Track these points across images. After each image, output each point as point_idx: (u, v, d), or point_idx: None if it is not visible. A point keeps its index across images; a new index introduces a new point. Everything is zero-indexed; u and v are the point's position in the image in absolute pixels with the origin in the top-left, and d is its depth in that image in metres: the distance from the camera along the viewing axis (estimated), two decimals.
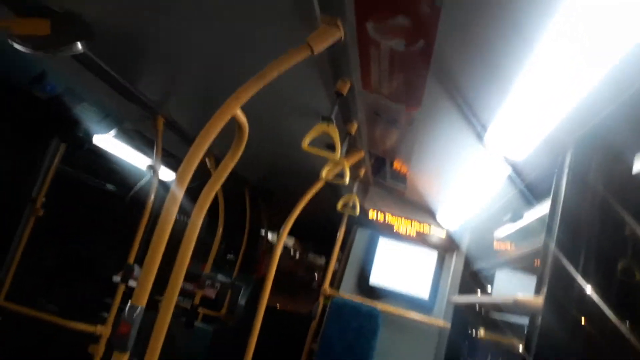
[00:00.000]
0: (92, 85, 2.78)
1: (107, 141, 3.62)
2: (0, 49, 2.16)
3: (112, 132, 3.56)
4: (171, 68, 2.65)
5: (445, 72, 1.71)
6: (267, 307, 6.66)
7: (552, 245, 1.49)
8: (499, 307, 2.55)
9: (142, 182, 4.47)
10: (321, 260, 7.37)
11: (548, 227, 1.55)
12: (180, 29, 2.07)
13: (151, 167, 3.32)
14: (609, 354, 1.46)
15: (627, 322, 1.46)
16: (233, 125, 1.71)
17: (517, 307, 1.57)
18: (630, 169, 1.46)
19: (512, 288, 2.53)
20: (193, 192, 1.82)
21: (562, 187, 1.52)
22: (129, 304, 1.56)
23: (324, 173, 2.60)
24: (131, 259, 3.23)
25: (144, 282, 1.54)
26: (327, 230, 4.12)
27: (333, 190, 3.72)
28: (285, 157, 3.65)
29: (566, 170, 1.51)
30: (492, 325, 2.98)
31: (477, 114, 1.87)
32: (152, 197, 3.25)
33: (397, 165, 3.25)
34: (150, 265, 1.56)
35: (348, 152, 2.92)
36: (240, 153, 1.80)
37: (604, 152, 1.49)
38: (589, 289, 1.47)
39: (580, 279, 1.44)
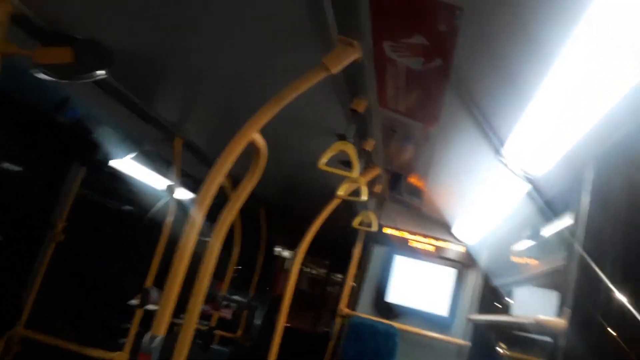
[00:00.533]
0: (111, 109, 2.83)
1: (126, 163, 3.67)
2: (22, 75, 2.21)
3: (131, 155, 3.60)
4: (189, 90, 2.68)
5: (463, 88, 1.72)
6: (285, 327, 6.60)
7: (575, 264, 1.47)
8: (519, 327, 2.50)
9: (161, 203, 4.51)
10: (338, 279, 7.32)
11: (570, 245, 1.53)
12: (198, 51, 2.10)
13: (169, 188, 3.35)
14: None
15: None
16: (251, 145, 1.73)
17: (539, 328, 1.54)
18: None
19: (532, 305, 2.48)
20: (209, 211, 1.83)
21: (584, 203, 1.51)
22: (149, 334, 1.55)
23: (340, 191, 2.61)
24: (149, 282, 3.23)
25: (164, 310, 1.53)
26: (344, 248, 4.10)
27: (349, 207, 3.72)
28: (302, 175, 3.66)
29: (588, 187, 1.50)
30: (513, 342, 2.92)
31: (495, 129, 1.87)
32: (171, 218, 3.27)
33: (413, 180, 3.24)
34: (170, 294, 1.55)
35: (364, 169, 2.93)
36: (258, 175, 1.81)
37: (626, 167, 1.48)
38: (616, 305, 1.44)
39: (606, 296, 1.41)
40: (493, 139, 1.93)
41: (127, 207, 4.60)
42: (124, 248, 4.58)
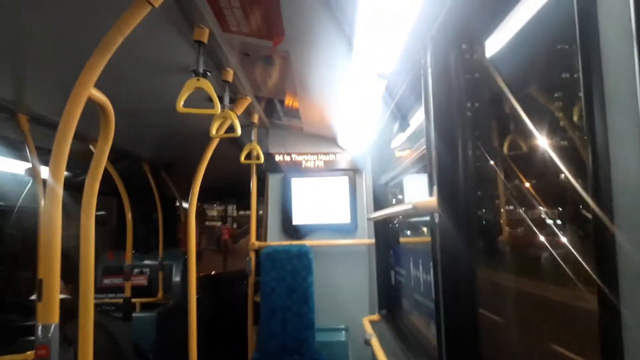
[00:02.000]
0: None
1: None
2: None
3: None
4: (13, 61, 2.36)
5: None
6: (205, 275, 6.62)
7: (432, 144, 1.57)
8: (405, 214, 2.70)
9: (27, 188, 4.09)
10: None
11: (426, 128, 1.62)
12: (10, 17, 1.83)
13: (30, 171, 3.02)
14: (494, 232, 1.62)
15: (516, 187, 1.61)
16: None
17: (418, 211, 1.66)
18: (484, 53, 1.54)
19: (418, 191, 2.68)
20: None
21: (429, 85, 1.58)
22: (39, 326, 1.48)
23: (213, 130, 2.52)
24: (40, 273, 3.00)
25: (47, 297, 1.46)
26: (245, 187, 4.08)
27: (235, 143, 3.65)
28: (171, 123, 3.48)
29: (429, 69, 1.56)
30: (411, 227, 3.17)
31: (343, 28, 1.86)
32: (42, 201, 2.99)
33: (288, 102, 3.22)
34: (49, 277, 1.47)
35: (233, 102, 2.84)
36: (111, 133, 1.69)
37: (458, 43, 1.55)
38: (472, 172, 1.58)
39: (461, 171, 1.54)
40: (343, 40, 1.93)
41: None
42: (3, 245, 4.18)
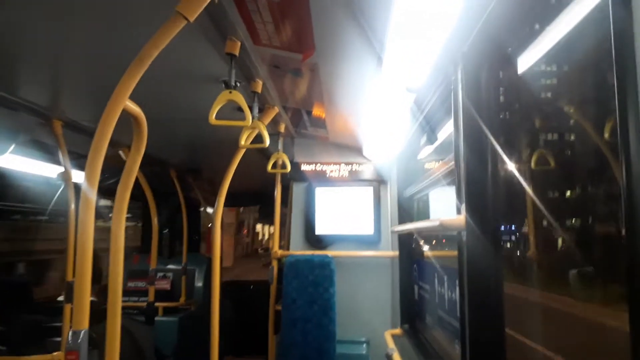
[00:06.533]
0: None
1: (6, 159, 3.34)
2: None
3: (10, 149, 3.29)
4: (52, 68, 2.45)
5: (328, 8, 1.68)
6: (227, 282, 6.67)
7: (461, 161, 1.56)
8: (430, 230, 2.67)
9: (60, 191, 4.21)
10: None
11: (455, 144, 1.61)
12: (49, 27, 1.91)
13: (62, 175, 3.11)
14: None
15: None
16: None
17: (444, 228, 1.64)
18: (516, 70, 1.53)
19: (444, 205, 2.65)
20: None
21: (459, 101, 1.57)
22: (70, 331, 1.51)
23: (242, 140, 2.55)
24: (69, 276, 3.08)
25: (78, 303, 1.48)
26: (269, 194, 4.11)
27: (261, 152, 3.68)
28: (200, 132, 3.54)
29: (460, 85, 1.55)
30: (436, 241, 3.14)
31: (373, 44, 1.87)
32: (72, 204, 3.07)
33: (314, 112, 3.24)
34: (80, 283, 1.50)
35: (262, 112, 2.88)
36: (143, 143, 1.73)
37: (490, 60, 1.54)
38: (501, 190, 1.56)
39: (491, 188, 1.52)
40: (372, 54, 1.93)
41: (27, 205, 4.26)
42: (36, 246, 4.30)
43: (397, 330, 3.32)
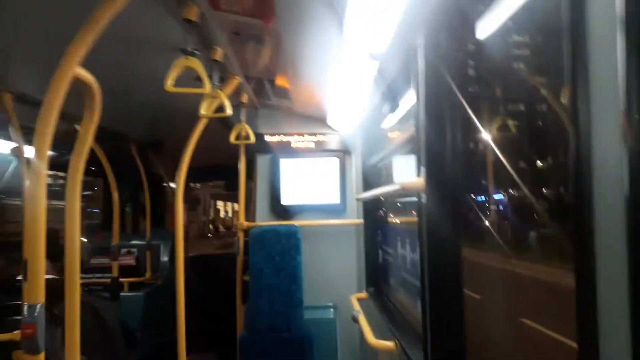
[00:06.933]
0: None
1: None
2: None
3: None
4: None
5: None
6: (193, 256, 6.64)
7: (421, 125, 1.59)
8: (393, 194, 2.73)
9: (11, 168, 4.04)
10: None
11: (416, 110, 1.63)
12: None
13: (15, 150, 2.97)
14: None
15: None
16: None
17: (406, 191, 1.68)
18: (477, 36, 1.55)
19: (406, 172, 2.70)
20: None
21: (420, 67, 1.59)
22: (25, 305, 1.49)
23: (202, 110, 2.50)
24: (26, 253, 2.99)
25: (32, 277, 1.47)
26: (234, 168, 4.07)
27: (225, 124, 3.62)
28: (160, 102, 3.44)
29: (421, 51, 1.57)
30: (398, 208, 3.21)
31: (335, 8, 1.85)
32: (28, 181, 2.96)
33: (278, 82, 3.20)
34: (34, 258, 1.49)
35: (223, 81, 2.82)
36: (96, 112, 1.67)
37: (451, 26, 1.56)
38: (460, 152, 1.61)
39: (450, 151, 1.56)
40: (334, 19, 1.91)
41: None
42: None
43: (363, 294, 3.42)
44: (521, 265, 1.54)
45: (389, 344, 2.27)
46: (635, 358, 0.59)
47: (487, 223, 1.82)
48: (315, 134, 3.97)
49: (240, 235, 3.84)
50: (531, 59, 1.49)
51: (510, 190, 1.64)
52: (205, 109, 2.50)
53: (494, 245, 1.80)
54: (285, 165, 3.95)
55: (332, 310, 3.76)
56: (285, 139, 3.97)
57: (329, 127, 3.95)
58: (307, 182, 3.94)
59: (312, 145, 3.96)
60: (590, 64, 0.74)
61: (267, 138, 3.96)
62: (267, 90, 3.42)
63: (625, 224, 0.61)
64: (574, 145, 0.76)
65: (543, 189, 1.45)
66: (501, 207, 1.73)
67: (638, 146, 0.60)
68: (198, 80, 2.07)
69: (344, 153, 3.96)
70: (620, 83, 0.63)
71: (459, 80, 1.53)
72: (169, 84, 1.95)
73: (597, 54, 0.72)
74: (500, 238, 1.75)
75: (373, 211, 3.47)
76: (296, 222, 3.73)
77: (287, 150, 3.96)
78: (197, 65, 1.95)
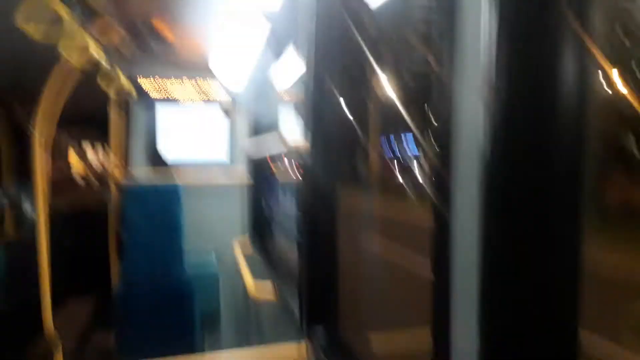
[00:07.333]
0: None
1: None
2: None
3: None
4: None
5: None
6: (57, 210, 6.11)
7: (309, 85, 1.55)
8: (279, 155, 2.71)
9: None
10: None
11: (305, 73, 1.59)
12: None
13: None
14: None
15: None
16: None
17: (291, 152, 1.66)
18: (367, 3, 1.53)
19: (294, 129, 2.69)
20: None
21: (310, 28, 1.53)
22: None
23: (63, 52, 2.19)
24: None
25: None
26: (107, 116, 3.70)
27: (96, 70, 3.24)
28: (22, 49, 2.97)
29: (311, 11, 1.51)
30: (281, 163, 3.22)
31: None
32: None
33: (156, 24, 2.91)
34: None
35: (89, 22, 2.49)
36: None
37: None
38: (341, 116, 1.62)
39: (335, 112, 1.56)
40: None
41: None
42: None
43: (246, 241, 3.40)
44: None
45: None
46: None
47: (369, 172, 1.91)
48: (200, 84, 3.71)
49: (113, 188, 3.56)
50: (416, 23, 1.50)
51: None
52: (66, 52, 2.19)
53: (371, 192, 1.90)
54: (166, 114, 3.68)
55: (214, 260, 3.69)
56: (164, 85, 3.67)
57: (215, 78, 3.73)
58: (192, 135, 3.73)
59: (196, 95, 3.71)
60: (458, 23, 0.74)
61: (144, 84, 3.63)
62: (141, 32, 3.09)
63: (481, 171, 0.66)
64: (440, 105, 0.78)
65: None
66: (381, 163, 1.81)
67: (496, 107, 0.63)
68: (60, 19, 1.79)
69: (233, 108, 3.77)
70: (483, 47, 0.65)
71: (347, 46, 1.50)
72: (21, 19, 1.67)
73: (466, 24, 0.73)
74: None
75: (260, 165, 3.42)
76: (178, 180, 3.52)
77: (168, 98, 3.67)
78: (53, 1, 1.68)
